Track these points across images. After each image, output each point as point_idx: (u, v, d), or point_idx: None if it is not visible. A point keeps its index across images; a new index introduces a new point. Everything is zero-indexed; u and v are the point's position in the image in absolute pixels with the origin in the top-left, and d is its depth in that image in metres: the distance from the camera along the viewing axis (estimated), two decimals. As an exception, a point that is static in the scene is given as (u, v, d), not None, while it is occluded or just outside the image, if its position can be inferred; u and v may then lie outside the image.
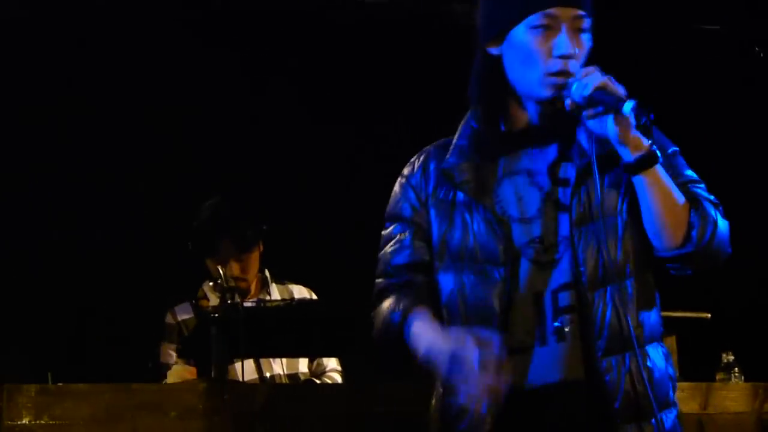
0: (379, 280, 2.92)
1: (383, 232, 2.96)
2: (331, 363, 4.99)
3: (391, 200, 2.96)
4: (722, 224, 2.76)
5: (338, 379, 4.97)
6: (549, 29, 2.67)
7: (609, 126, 2.63)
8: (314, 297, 5.13)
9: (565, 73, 2.65)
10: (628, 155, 2.66)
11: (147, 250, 5.92)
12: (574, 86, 2.63)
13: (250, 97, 6.45)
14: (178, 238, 5.21)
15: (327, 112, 6.43)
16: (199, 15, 6.25)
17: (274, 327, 4.30)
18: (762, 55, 6.70)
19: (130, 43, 6.12)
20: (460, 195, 2.82)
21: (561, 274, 2.71)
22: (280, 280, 5.11)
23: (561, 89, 2.66)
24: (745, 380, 4.98)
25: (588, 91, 2.60)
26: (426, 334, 2.68)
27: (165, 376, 4.45)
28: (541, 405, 2.70)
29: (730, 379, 4.95)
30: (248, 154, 6.31)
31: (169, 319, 4.82)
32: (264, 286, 4.97)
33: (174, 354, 4.71)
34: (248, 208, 5.07)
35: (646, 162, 2.67)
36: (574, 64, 2.65)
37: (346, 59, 6.57)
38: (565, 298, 2.70)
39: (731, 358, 5.00)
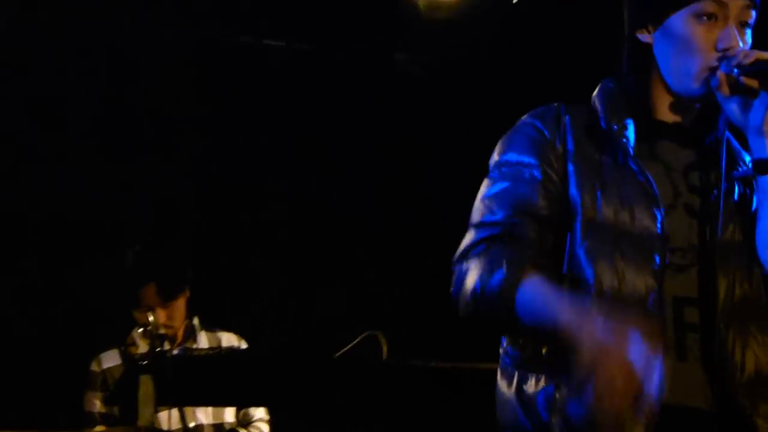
0: (476, 230, 2.59)
1: (494, 176, 2.65)
2: (259, 413, 4.93)
3: (505, 142, 2.65)
4: None
5: (265, 429, 4.92)
6: (715, 19, 2.49)
7: (756, 108, 2.47)
8: (243, 345, 5.05)
9: (724, 68, 2.46)
10: (764, 149, 2.50)
11: (76, 295, 5.81)
12: (732, 58, 2.45)
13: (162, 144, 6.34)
14: (107, 285, 5.17)
15: (245, 164, 6.43)
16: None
17: (201, 375, 4.20)
18: None
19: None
20: (620, 159, 2.56)
21: (685, 285, 2.48)
22: (210, 327, 5.05)
23: (710, 84, 2.50)
24: None
25: (749, 59, 2.42)
26: (551, 298, 2.37)
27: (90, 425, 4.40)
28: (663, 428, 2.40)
29: None
30: (173, 201, 6.27)
31: (93, 366, 4.75)
32: (191, 334, 4.93)
33: (98, 402, 4.68)
34: (173, 256, 5.04)
35: None
36: None
37: (277, 104, 6.50)
38: (691, 314, 2.48)
39: None
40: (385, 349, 4.21)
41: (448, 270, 7.36)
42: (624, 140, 2.55)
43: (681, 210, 2.53)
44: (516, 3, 6.19)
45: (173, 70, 6.24)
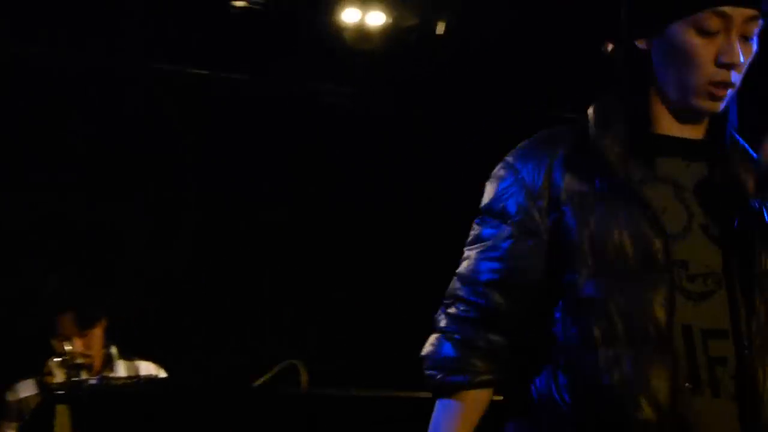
0: (463, 287, 2.50)
1: (477, 226, 2.54)
2: None
3: (491, 191, 2.53)
4: None
5: None
6: (717, 31, 2.39)
7: None
8: (162, 374, 4.96)
9: (726, 84, 2.38)
10: None
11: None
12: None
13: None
14: (23, 314, 5.14)
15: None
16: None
17: (118, 405, 4.11)
18: None
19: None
20: (615, 182, 2.42)
21: (711, 314, 2.37)
22: (128, 356, 4.97)
23: (717, 101, 2.41)
24: None
25: None
26: None
27: None
28: None
29: None
30: (90, 231, 6.19)
31: (9, 396, 4.68)
32: (108, 363, 4.83)
33: (14, 432, 4.43)
34: (90, 284, 4.97)
35: None
36: (737, 75, 2.39)
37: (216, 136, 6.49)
38: (720, 348, 2.35)
39: None
40: (305, 378, 4.16)
41: (368, 299, 7.18)
42: (617, 162, 2.43)
43: (698, 232, 2.40)
44: (441, 35, 6.28)
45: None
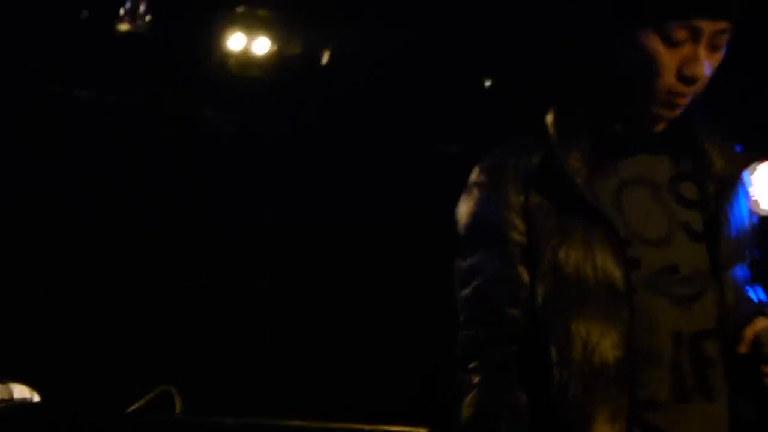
0: (471, 330, 2.40)
1: (470, 257, 2.42)
2: None
3: (466, 221, 2.43)
4: None
5: None
6: (684, 41, 2.32)
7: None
8: (36, 397, 4.73)
9: (685, 95, 2.34)
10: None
11: None
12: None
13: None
14: None
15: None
16: None
17: (-10, 428, 3.94)
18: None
19: None
20: (577, 205, 2.36)
21: (701, 316, 2.32)
22: (1, 379, 4.65)
23: (675, 108, 2.36)
24: None
25: None
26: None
27: None
28: None
29: None
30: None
31: None
32: None
33: None
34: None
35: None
36: (699, 86, 2.33)
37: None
38: (711, 348, 2.30)
39: None
40: (179, 404, 4.14)
41: (243, 323, 7.05)
42: (582, 183, 2.37)
43: (681, 234, 2.37)
44: (325, 64, 6.37)
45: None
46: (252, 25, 6.18)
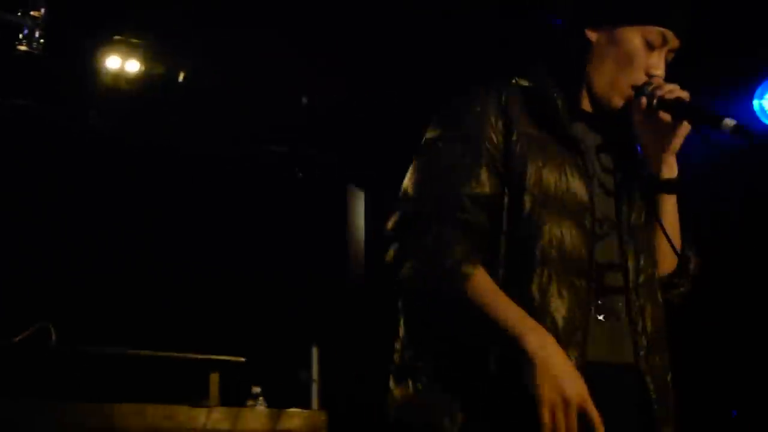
0: (416, 203, 2.26)
1: (437, 149, 2.33)
2: None
3: (452, 118, 2.36)
4: (698, 267, 2.55)
5: None
6: (655, 47, 2.34)
7: (669, 135, 2.35)
8: None
9: (645, 93, 2.32)
10: (670, 173, 2.40)
11: None
12: (658, 88, 2.30)
13: None
14: None
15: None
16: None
17: None
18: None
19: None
20: (561, 135, 2.35)
21: (605, 251, 2.33)
22: None
23: (632, 99, 2.34)
24: (268, 407, 4.84)
25: (672, 95, 2.30)
26: (512, 315, 2.14)
27: None
28: (603, 385, 2.22)
29: (255, 405, 4.80)
30: None
31: None
32: None
33: None
34: None
35: (678, 187, 2.43)
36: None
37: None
38: (612, 278, 2.34)
39: (258, 389, 4.82)
40: (54, 337, 4.14)
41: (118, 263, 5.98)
42: (566, 118, 2.36)
43: (597, 185, 2.37)
44: (182, 81, 6.36)
45: None
46: (125, 50, 6.10)
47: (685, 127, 2.31)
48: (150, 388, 4.14)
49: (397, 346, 2.31)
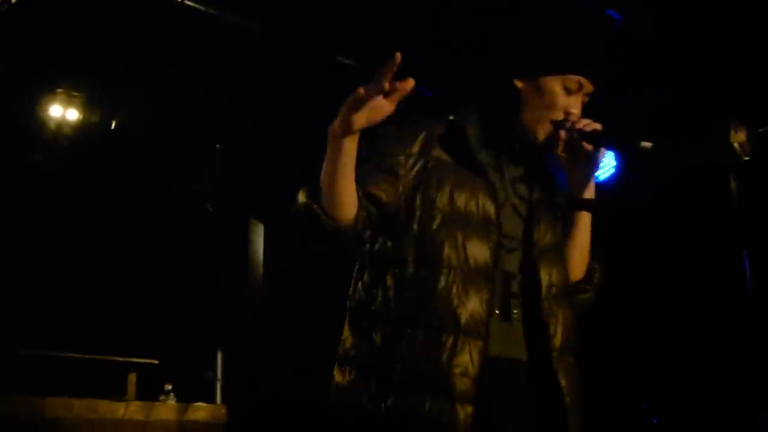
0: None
1: (360, 153, 2.22)
2: None
3: (372, 141, 2.29)
4: (601, 278, 2.51)
5: None
6: (573, 92, 2.33)
7: (587, 163, 2.34)
8: None
9: (565, 128, 2.31)
10: (590, 193, 2.38)
11: None
12: (585, 124, 2.30)
13: None
14: None
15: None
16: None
17: None
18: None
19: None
20: (471, 162, 2.33)
21: (512, 263, 2.31)
22: None
23: (552, 134, 2.32)
24: (177, 401, 4.83)
25: (589, 128, 2.29)
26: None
27: None
28: (500, 375, 2.22)
29: (167, 399, 4.78)
30: None
31: None
32: None
33: None
34: None
35: (592, 206, 2.41)
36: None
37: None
38: (515, 286, 2.30)
39: (170, 386, 4.82)
40: None
41: None
42: (475, 146, 2.33)
43: (510, 207, 2.35)
44: (114, 127, 6.31)
45: None
46: (66, 101, 6.10)
47: (602, 153, 2.32)
48: (76, 386, 4.09)
49: (341, 342, 2.26)
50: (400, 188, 2.26)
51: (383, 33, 4.83)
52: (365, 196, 2.19)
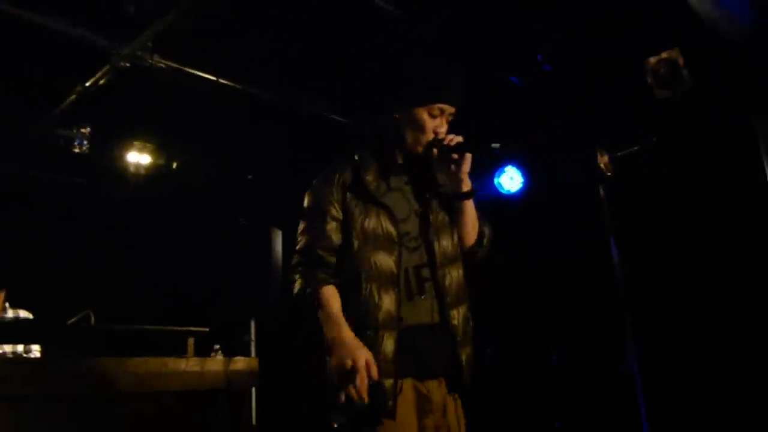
0: (299, 254, 2.24)
1: (307, 219, 2.27)
2: (35, 348, 4.39)
3: (313, 197, 2.29)
4: (491, 236, 2.43)
5: (38, 354, 4.31)
6: (437, 116, 2.25)
7: (458, 168, 2.24)
8: (30, 316, 4.62)
9: (435, 143, 2.25)
10: (466, 187, 2.30)
11: None
12: (450, 140, 2.23)
13: None
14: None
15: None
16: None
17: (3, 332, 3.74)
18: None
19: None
20: (371, 198, 2.26)
21: (420, 257, 2.24)
22: (13, 305, 4.61)
23: (428, 150, 2.26)
24: (224, 356, 4.33)
25: (453, 142, 2.22)
26: (333, 321, 2.09)
27: None
28: (418, 337, 2.17)
29: (216, 356, 4.15)
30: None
31: None
32: (3, 310, 4.53)
33: None
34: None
35: (472, 194, 2.31)
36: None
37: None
38: (425, 272, 2.22)
39: (218, 347, 4.29)
40: (93, 320, 3.87)
41: None
42: (374, 188, 2.27)
43: (413, 215, 2.28)
44: (175, 168, 6.18)
45: None
46: (140, 149, 6.00)
47: (469, 157, 2.25)
48: (152, 349, 3.88)
49: None
50: (340, 225, 2.24)
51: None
52: (325, 250, 2.20)
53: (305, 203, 2.31)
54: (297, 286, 2.19)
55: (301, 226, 2.28)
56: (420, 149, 2.28)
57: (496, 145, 2.31)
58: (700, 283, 4.49)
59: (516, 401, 5.58)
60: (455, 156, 2.25)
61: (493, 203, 5.70)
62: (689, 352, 4.48)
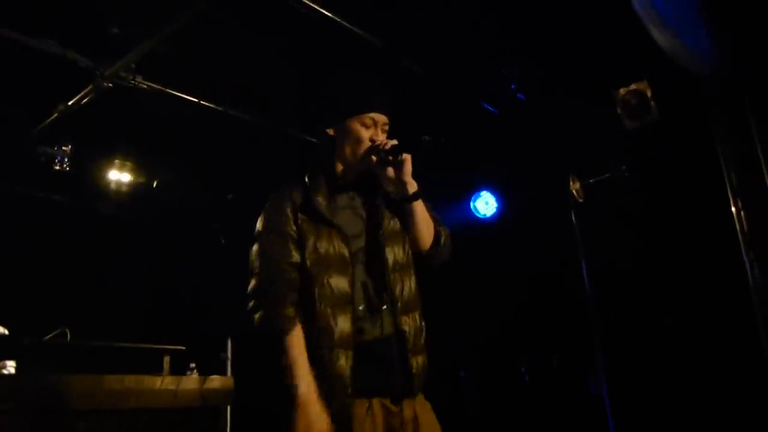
0: (258, 278, 2.18)
1: (263, 240, 2.22)
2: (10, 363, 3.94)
3: (268, 218, 2.25)
4: (448, 236, 2.39)
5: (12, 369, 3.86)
6: (370, 126, 2.24)
7: (397, 172, 2.22)
8: (4, 332, 4.20)
9: (372, 150, 2.24)
10: (412, 189, 2.26)
11: None
12: (385, 144, 2.22)
13: None
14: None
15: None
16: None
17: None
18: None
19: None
20: (323, 220, 2.23)
21: (373, 268, 2.22)
22: None
23: (366, 159, 2.25)
24: (199, 375, 4.36)
25: (388, 146, 2.21)
26: (299, 372, 2.05)
27: None
28: (376, 349, 2.17)
29: (191, 374, 4.24)
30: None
31: None
32: None
33: None
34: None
35: (419, 195, 2.28)
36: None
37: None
38: (380, 283, 2.21)
39: (193, 365, 4.37)
40: (69, 336, 3.88)
41: None
42: (324, 208, 2.24)
43: (364, 230, 2.25)
44: (155, 186, 6.12)
45: None
46: (120, 167, 5.92)
47: (408, 158, 2.22)
48: (128, 366, 3.88)
49: None
50: (296, 245, 2.21)
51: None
52: (289, 265, 2.16)
53: (259, 226, 2.25)
54: (258, 317, 2.14)
55: (256, 248, 2.21)
56: (360, 161, 2.26)
57: (426, 138, 2.28)
58: (669, 306, 4.57)
59: (489, 421, 5.64)
60: (393, 158, 2.21)
61: (469, 227, 5.74)
62: (658, 373, 4.55)
